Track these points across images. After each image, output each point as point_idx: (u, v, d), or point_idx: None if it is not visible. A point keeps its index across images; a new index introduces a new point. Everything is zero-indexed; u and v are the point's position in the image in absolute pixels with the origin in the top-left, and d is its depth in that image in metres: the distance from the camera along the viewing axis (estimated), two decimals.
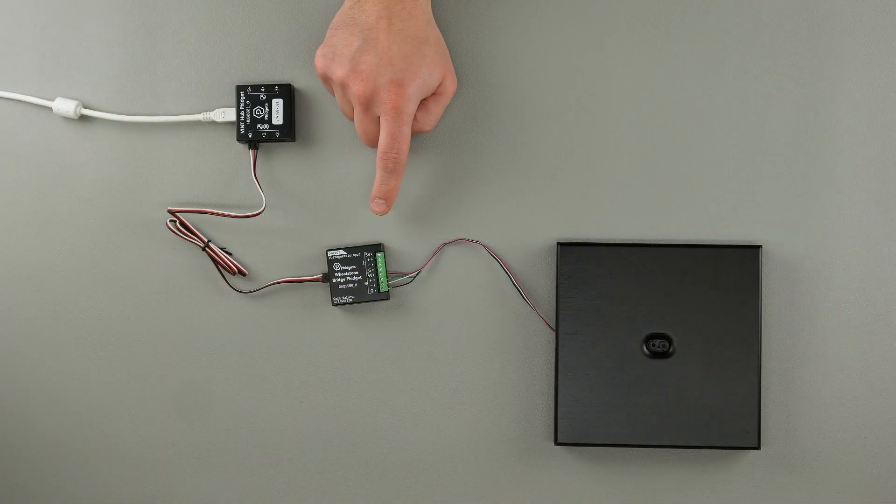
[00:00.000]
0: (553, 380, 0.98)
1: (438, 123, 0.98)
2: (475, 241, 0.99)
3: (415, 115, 0.93)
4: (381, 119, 0.91)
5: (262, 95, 0.97)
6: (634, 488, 0.98)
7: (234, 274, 0.99)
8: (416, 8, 0.90)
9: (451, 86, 0.94)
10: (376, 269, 0.98)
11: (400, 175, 0.92)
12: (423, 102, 0.94)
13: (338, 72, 0.91)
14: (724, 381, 0.95)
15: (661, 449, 0.97)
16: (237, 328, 0.99)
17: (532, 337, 0.98)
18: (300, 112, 0.99)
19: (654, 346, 0.96)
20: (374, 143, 0.94)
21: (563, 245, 0.97)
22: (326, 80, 0.93)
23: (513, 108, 0.98)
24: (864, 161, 0.97)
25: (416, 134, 0.96)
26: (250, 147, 0.98)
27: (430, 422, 0.99)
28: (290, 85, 0.98)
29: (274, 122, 0.97)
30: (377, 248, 0.98)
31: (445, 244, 0.99)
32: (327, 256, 0.98)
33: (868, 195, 0.97)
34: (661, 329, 0.96)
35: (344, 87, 0.91)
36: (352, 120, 0.95)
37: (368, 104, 0.91)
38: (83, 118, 0.99)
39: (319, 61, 0.92)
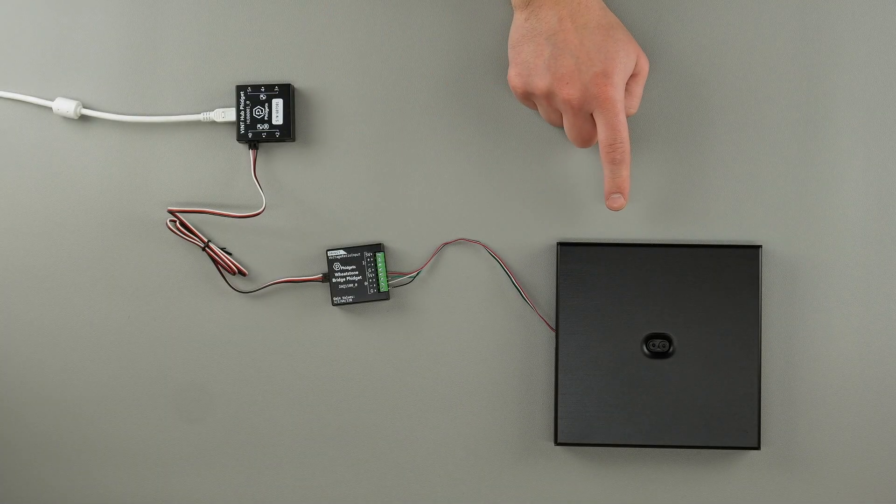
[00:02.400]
0: (553, 380, 0.98)
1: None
2: (475, 241, 0.99)
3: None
4: (596, 114, 0.90)
5: (262, 95, 0.97)
6: (634, 488, 0.98)
7: (234, 274, 0.99)
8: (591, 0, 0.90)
9: (644, 64, 0.93)
10: (376, 269, 0.98)
11: (628, 164, 0.91)
12: (625, 87, 0.92)
13: (540, 84, 0.90)
14: (724, 381, 0.95)
15: (661, 449, 0.98)
16: (237, 328, 0.99)
17: (532, 337, 0.98)
18: (300, 112, 0.99)
19: (654, 346, 0.96)
20: (589, 143, 0.93)
21: (563, 245, 0.97)
22: (528, 96, 0.92)
23: (512, 108, 0.98)
24: (864, 161, 0.97)
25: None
26: (250, 147, 0.98)
27: (430, 422, 0.99)
28: (290, 85, 0.98)
29: (274, 122, 0.97)
30: (377, 248, 0.98)
31: (445, 244, 0.99)
32: (327, 256, 0.98)
33: (868, 195, 0.97)
34: (661, 329, 0.96)
35: (550, 96, 0.90)
36: (557, 126, 0.95)
37: (580, 105, 0.90)
38: (83, 118, 0.99)
39: (517, 81, 0.91)
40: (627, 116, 0.94)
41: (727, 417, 0.95)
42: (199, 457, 0.99)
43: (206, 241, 0.98)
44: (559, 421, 0.96)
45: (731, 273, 0.96)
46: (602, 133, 0.90)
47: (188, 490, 0.99)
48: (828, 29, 0.97)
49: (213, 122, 0.99)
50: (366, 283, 0.97)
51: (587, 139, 0.92)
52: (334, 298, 0.98)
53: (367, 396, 0.99)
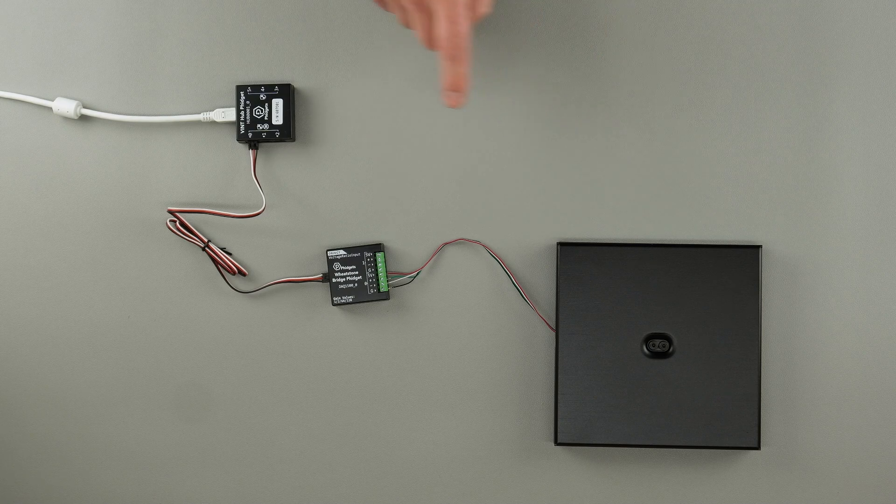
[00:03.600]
0: (553, 380, 0.98)
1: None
2: (475, 241, 0.99)
3: (469, 3, 0.88)
4: (434, 9, 0.86)
5: (262, 95, 0.97)
6: (634, 488, 0.98)
7: (234, 274, 0.99)
8: None
9: None
10: (376, 269, 0.98)
11: (466, 60, 0.87)
12: None
13: None
14: (724, 381, 0.95)
15: (661, 449, 0.98)
16: (237, 328, 0.99)
17: (532, 337, 0.98)
18: (300, 112, 0.99)
19: (654, 346, 0.96)
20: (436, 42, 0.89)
21: (563, 245, 0.97)
22: (383, 3, 0.90)
23: (512, 108, 0.98)
24: (864, 161, 0.97)
25: (480, 20, 0.91)
26: (250, 147, 0.98)
27: (430, 422, 0.99)
28: (290, 85, 0.98)
29: (274, 122, 0.97)
30: (377, 247, 0.98)
31: (445, 244, 0.99)
32: (327, 256, 0.98)
33: (868, 195, 0.97)
34: (661, 329, 0.96)
35: None
36: (412, 29, 0.91)
37: (419, 1, 0.86)
38: (83, 118, 0.99)
39: None
40: (480, 16, 0.89)
41: (727, 417, 0.95)
42: (199, 457, 0.99)
43: (206, 241, 0.98)
44: (559, 421, 0.96)
45: (731, 273, 0.96)
46: (438, 27, 0.86)
47: (188, 490, 0.99)
48: (828, 29, 0.97)
49: (213, 122, 0.99)
50: (366, 283, 0.97)
51: (433, 38, 0.88)
52: (334, 298, 0.98)
53: (367, 396, 0.99)
